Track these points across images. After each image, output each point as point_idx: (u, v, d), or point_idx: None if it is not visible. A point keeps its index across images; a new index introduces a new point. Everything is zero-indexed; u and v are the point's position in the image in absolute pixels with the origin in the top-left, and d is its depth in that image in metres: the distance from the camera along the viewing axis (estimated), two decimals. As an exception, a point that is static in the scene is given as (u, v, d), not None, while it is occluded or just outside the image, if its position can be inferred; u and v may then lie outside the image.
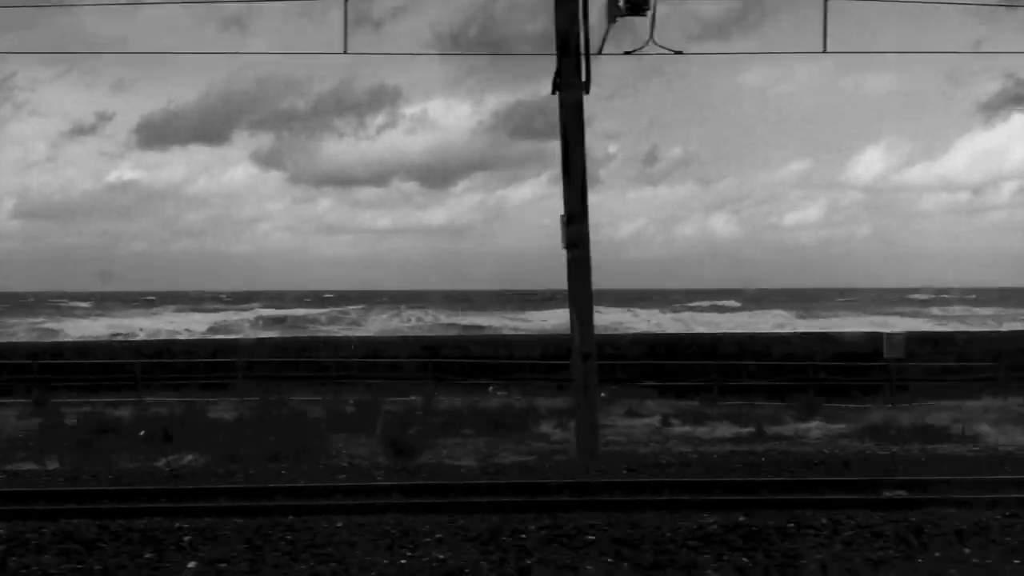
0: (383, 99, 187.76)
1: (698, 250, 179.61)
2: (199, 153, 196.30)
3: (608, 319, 55.32)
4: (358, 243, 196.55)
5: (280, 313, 67.84)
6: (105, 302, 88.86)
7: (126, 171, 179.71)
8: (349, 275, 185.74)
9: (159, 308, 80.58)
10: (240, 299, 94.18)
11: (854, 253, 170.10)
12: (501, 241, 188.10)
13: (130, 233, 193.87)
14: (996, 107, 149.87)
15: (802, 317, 64.59)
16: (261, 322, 60.14)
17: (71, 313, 75.42)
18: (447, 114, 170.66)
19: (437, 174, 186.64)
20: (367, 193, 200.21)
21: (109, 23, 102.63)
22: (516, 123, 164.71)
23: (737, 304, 79.91)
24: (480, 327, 54.63)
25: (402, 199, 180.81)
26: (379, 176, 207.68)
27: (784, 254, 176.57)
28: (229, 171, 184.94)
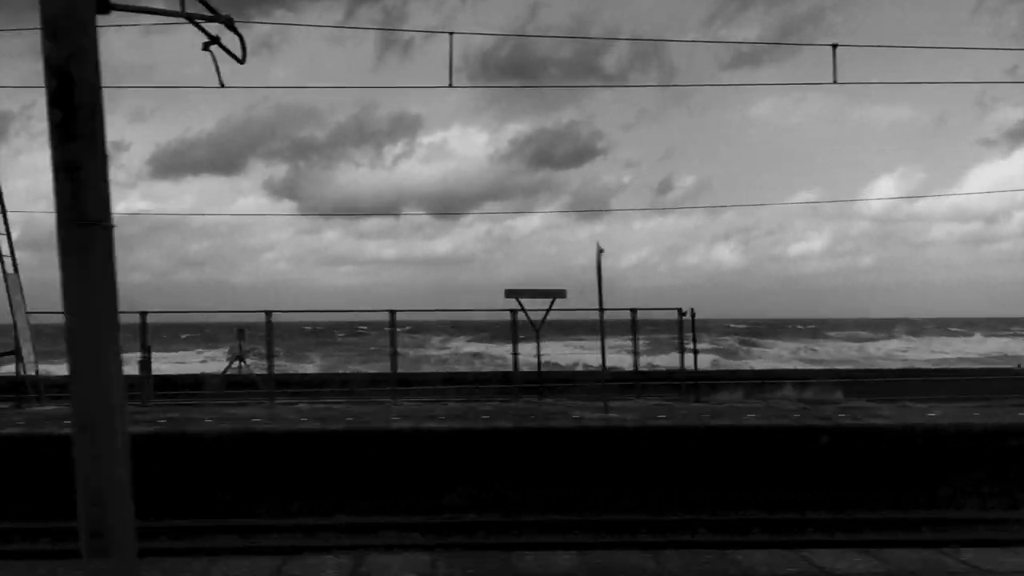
0: (403, 128, 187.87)
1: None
2: (212, 182, 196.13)
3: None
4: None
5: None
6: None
7: (135, 201, 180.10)
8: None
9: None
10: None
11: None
12: (503, 271, 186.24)
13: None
14: (1019, 135, 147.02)
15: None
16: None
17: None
18: (464, 142, 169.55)
19: (449, 203, 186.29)
20: (375, 223, 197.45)
21: (132, 52, 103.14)
22: (533, 151, 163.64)
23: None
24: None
25: (411, 229, 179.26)
26: (391, 205, 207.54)
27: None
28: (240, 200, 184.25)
